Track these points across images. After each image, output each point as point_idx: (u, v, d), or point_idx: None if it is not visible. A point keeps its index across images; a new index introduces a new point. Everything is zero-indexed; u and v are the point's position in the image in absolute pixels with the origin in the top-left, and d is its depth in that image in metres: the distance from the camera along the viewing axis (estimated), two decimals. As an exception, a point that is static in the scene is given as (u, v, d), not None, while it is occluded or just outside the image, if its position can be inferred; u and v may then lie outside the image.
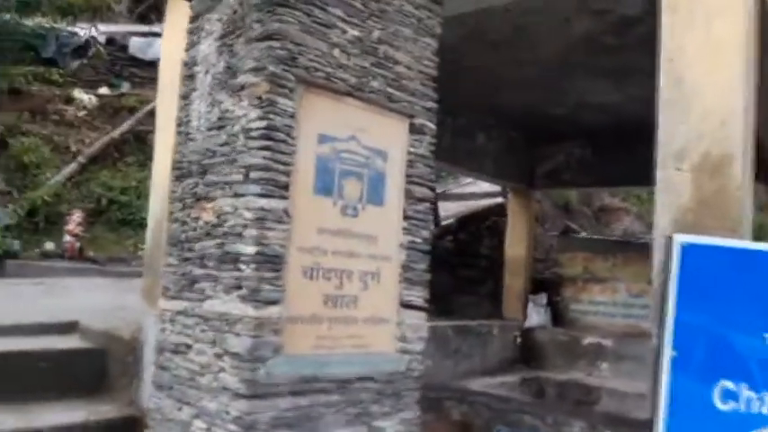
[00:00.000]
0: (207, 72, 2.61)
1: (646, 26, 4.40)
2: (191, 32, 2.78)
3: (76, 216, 9.49)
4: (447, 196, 12.10)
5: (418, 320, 2.77)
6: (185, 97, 2.74)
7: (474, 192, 11.94)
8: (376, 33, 2.63)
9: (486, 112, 7.61)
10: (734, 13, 2.71)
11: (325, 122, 2.45)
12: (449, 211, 11.02)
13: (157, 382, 2.61)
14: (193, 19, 2.77)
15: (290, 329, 2.31)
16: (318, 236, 2.42)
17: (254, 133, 2.29)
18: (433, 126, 2.86)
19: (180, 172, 2.68)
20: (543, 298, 8.49)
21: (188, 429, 2.38)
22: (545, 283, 8.82)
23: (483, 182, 10.54)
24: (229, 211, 2.34)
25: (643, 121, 5.06)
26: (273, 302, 2.25)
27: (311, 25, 2.40)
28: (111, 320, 4.50)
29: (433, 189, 2.91)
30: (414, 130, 2.78)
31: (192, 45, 2.76)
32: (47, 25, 11.95)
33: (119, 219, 10.73)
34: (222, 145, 2.43)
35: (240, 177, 2.32)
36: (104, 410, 3.62)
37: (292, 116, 2.33)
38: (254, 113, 2.30)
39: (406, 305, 2.72)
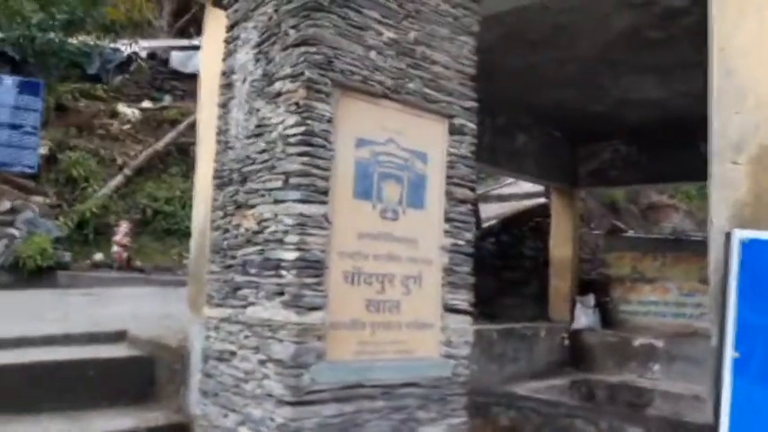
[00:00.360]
0: (244, 80, 2.62)
1: (693, 17, 4.26)
2: (228, 42, 2.79)
3: (124, 227, 9.70)
4: (487, 198, 11.97)
5: (463, 324, 2.72)
6: (224, 106, 2.76)
7: (514, 193, 11.79)
8: (412, 34, 2.60)
9: (526, 111, 7.51)
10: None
11: (362, 126, 2.43)
12: (489, 213, 10.90)
13: (203, 390, 2.62)
14: (230, 28, 2.79)
15: (333, 335, 2.29)
16: (359, 240, 2.39)
17: (291, 139, 2.28)
18: (473, 126, 2.81)
19: (220, 180, 2.70)
20: (591, 299, 8.32)
21: (234, 437, 2.38)
22: (592, 284, 8.66)
23: (524, 182, 10.40)
24: (269, 217, 2.34)
25: (690, 117, 4.90)
26: (316, 308, 2.23)
27: (346, 28, 2.38)
28: (158, 329, 4.58)
29: (473, 190, 2.86)
30: (453, 130, 2.73)
31: (229, 54, 2.77)
32: (90, 43, 12.27)
33: (164, 228, 10.94)
34: (261, 152, 2.43)
35: (279, 184, 2.31)
36: (153, 417, 3.66)
37: (330, 121, 2.31)
38: (291, 120, 2.30)
39: (450, 309, 2.68)
